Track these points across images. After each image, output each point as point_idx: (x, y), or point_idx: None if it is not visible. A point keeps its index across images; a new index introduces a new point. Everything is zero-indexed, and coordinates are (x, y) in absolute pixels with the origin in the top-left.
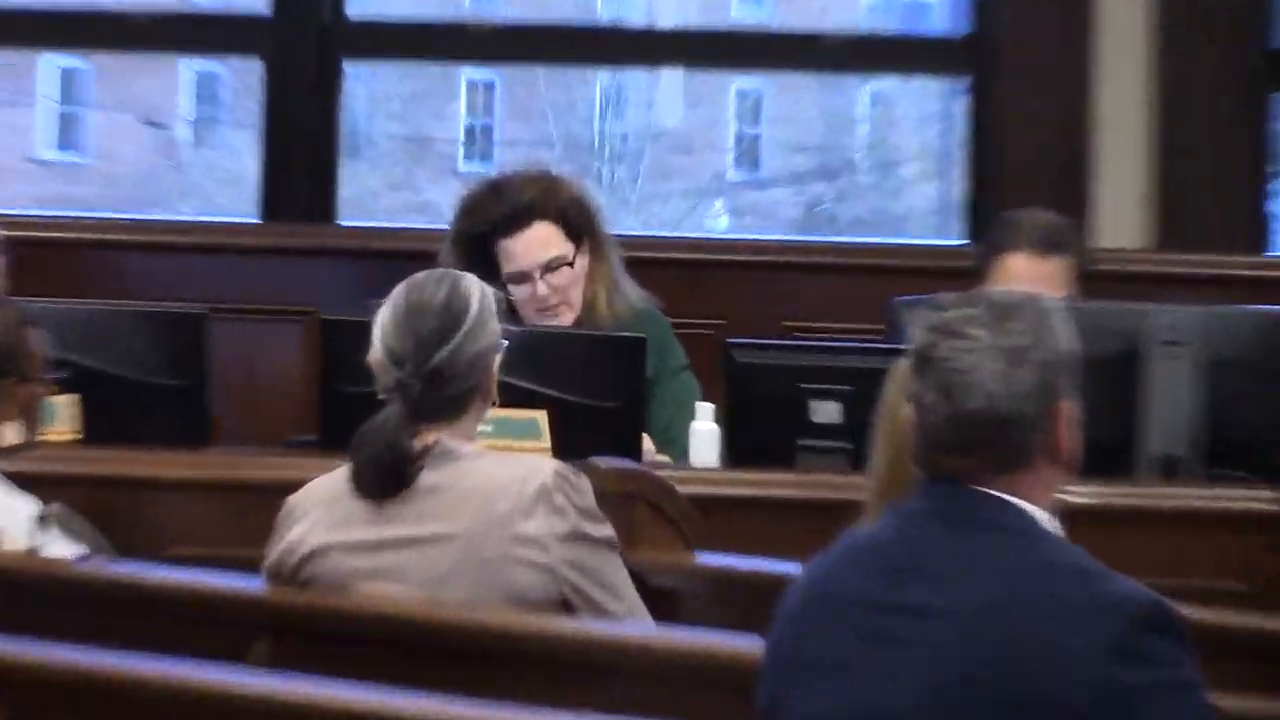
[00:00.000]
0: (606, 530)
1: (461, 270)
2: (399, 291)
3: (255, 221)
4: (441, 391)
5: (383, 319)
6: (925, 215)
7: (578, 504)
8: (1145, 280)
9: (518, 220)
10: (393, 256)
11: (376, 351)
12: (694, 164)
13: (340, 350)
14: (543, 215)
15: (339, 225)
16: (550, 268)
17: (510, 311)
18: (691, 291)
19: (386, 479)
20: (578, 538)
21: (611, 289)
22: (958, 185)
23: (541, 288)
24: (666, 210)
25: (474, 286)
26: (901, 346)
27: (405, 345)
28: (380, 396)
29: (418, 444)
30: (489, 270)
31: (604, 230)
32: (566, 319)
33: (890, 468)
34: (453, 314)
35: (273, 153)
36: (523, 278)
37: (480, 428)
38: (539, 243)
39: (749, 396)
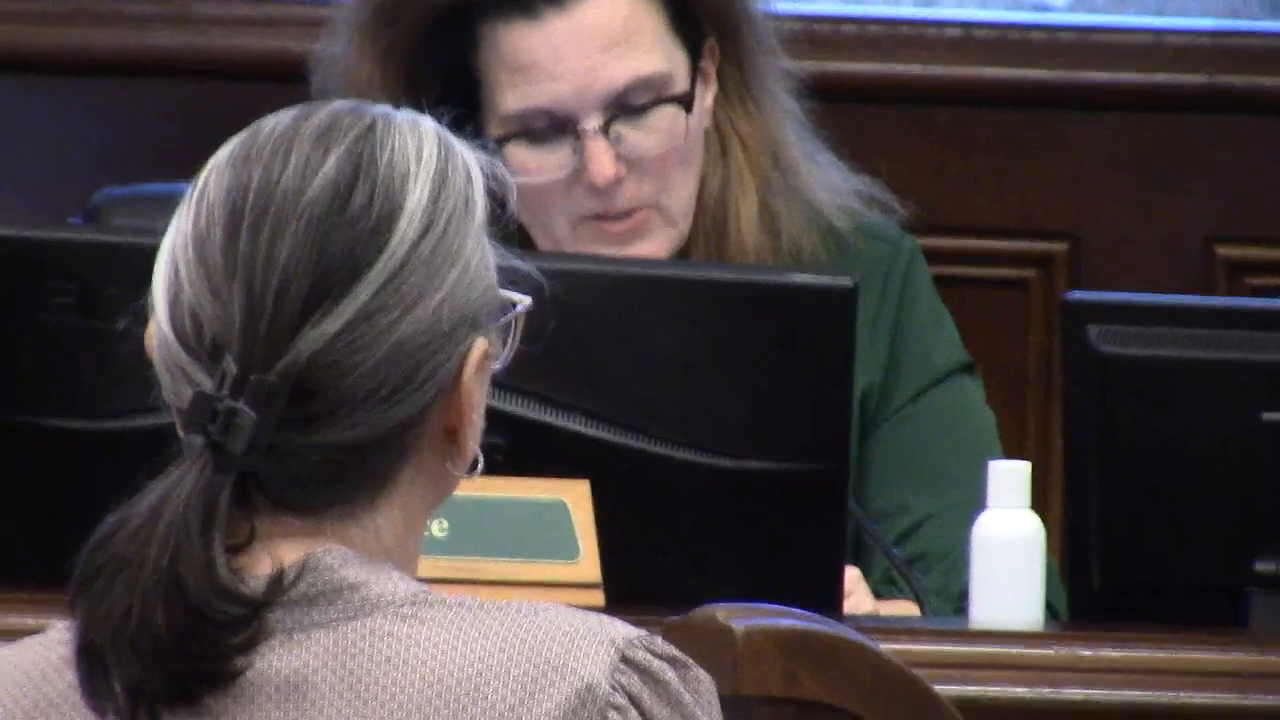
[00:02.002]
0: None
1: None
2: (215, 168)
3: None
4: (321, 431)
5: (175, 239)
6: None
7: None
8: None
9: None
10: (191, 70)
11: (160, 322)
12: None
13: (41, 317)
14: None
15: None
16: (631, 107)
17: (518, 234)
18: (980, 168)
19: (166, 671)
20: None
21: (774, 176)
22: None
23: (603, 159)
24: None
25: (415, 147)
26: None
27: (225, 305)
28: (170, 430)
29: (247, 567)
30: (459, 114)
31: (757, 16)
32: (656, 247)
33: None
34: (352, 226)
35: None
36: (554, 130)
37: (431, 527)
38: (604, 38)
39: (1128, 441)
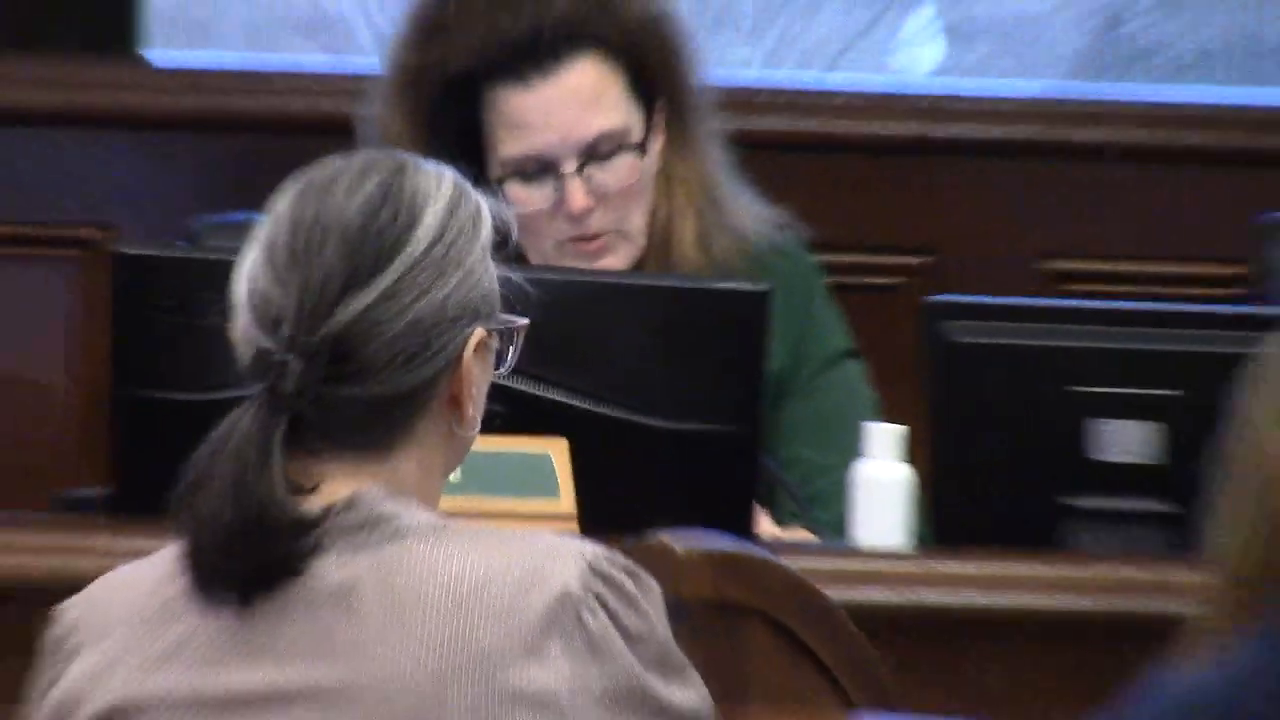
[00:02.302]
0: (690, 688)
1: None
2: (283, 197)
3: None
4: (354, 385)
5: (252, 250)
6: None
7: (633, 630)
8: None
9: (538, 50)
10: (262, 127)
11: (240, 310)
12: None
13: (154, 317)
14: (588, 44)
15: (147, 63)
16: (599, 154)
17: (518, 256)
18: (865, 200)
19: (242, 562)
20: (630, 699)
21: (706, 207)
22: None
23: (577, 194)
24: (813, 32)
25: (435, 185)
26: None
27: (286, 290)
28: (236, 394)
29: (305, 497)
30: (467, 162)
31: (695, 84)
32: (618, 261)
33: (1251, 551)
34: (380, 234)
35: None
36: (540, 171)
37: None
38: (579, 100)
39: (972, 409)
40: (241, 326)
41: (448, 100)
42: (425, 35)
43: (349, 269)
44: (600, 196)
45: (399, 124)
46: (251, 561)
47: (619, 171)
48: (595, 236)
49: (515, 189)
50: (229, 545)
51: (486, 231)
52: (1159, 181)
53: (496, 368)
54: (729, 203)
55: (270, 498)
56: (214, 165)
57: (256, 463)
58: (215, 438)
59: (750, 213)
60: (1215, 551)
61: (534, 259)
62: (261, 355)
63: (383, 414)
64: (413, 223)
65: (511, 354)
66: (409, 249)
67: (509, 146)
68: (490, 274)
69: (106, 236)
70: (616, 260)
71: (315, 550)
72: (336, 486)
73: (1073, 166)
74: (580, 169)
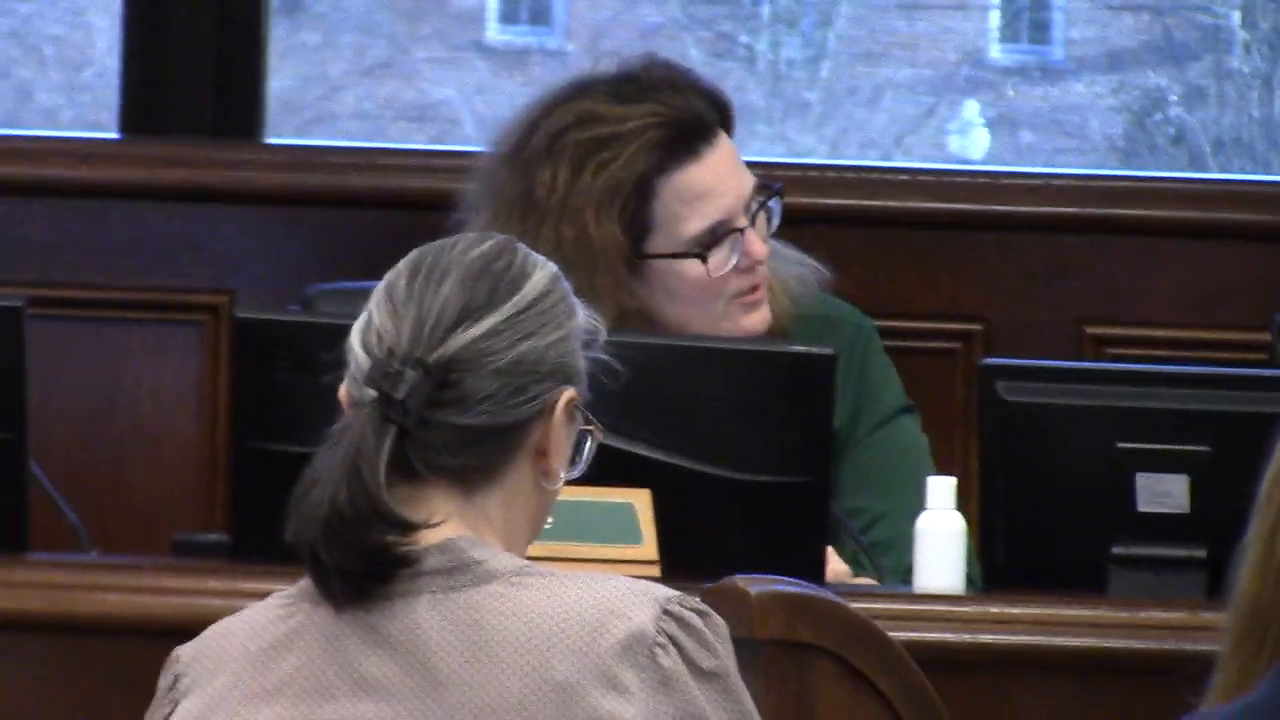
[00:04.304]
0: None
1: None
2: (405, 259)
3: (112, 137)
4: (455, 412)
5: (374, 298)
6: None
7: (704, 666)
8: None
9: (703, 121)
10: (372, 203)
11: (354, 351)
12: (925, 36)
13: (271, 375)
14: (723, 117)
15: (268, 144)
16: (759, 203)
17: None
18: (920, 273)
19: (355, 551)
20: None
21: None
22: None
23: (757, 242)
24: (875, 121)
25: (540, 259)
26: None
27: (400, 325)
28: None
29: (411, 516)
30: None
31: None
32: (766, 313)
33: (1272, 595)
34: (496, 276)
35: (141, 16)
36: (724, 234)
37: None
38: (735, 159)
39: (1023, 463)
40: (354, 363)
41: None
42: (596, 148)
43: (464, 302)
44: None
45: (604, 239)
46: (364, 549)
47: (763, 226)
48: (757, 289)
49: (715, 257)
50: (342, 533)
51: (581, 319)
52: (1189, 254)
53: (571, 465)
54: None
55: (379, 488)
56: (325, 237)
57: (368, 456)
58: (329, 441)
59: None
60: (1235, 593)
61: (701, 326)
62: (379, 365)
63: (477, 446)
64: (524, 276)
65: (582, 461)
66: (520, 295)
67: (697, 222)
68: (580, 357)
69: (229, 301)
70: (765, 312)
71: (410, 556)
72: (429, 512)
73: (1111, 240)
74: (752, 220)
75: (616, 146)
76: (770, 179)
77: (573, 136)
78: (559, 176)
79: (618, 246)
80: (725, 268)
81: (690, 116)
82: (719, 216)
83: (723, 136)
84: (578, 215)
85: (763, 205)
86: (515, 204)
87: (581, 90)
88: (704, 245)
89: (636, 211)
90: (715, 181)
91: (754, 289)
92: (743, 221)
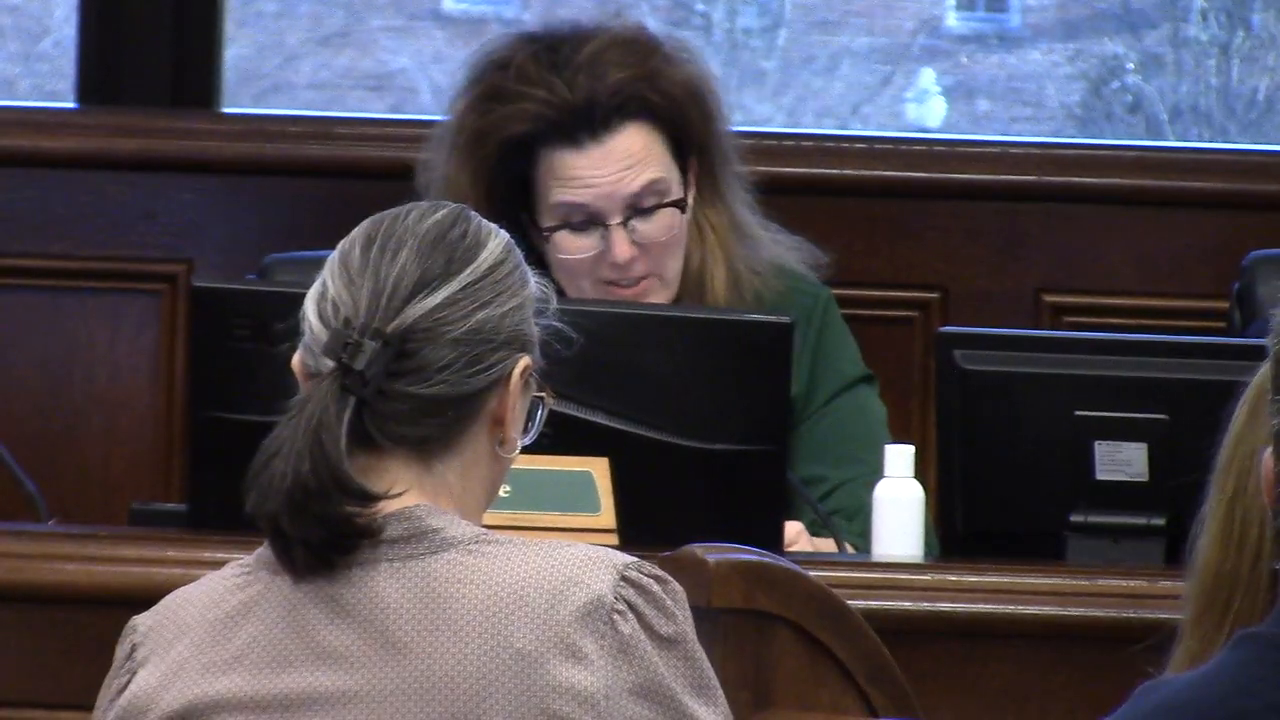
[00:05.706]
0: (715, 707)
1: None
2: (359, 228)
3: (69, 107)
4: (413, 382)
5: (328, 267)
6: None
7: (662, 632)
8: None
9: (592, 118)
10: (329, 172)
11: (309, 320)
12: (882, 4)
13: (228, 344)
14: (636, 113)
15: (225, 114)
16: (642, 207)
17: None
18: (877, 241)
19: (317, 522)
20: (657, 697)
21: (736, 251)
22: None
23: (622, 245)
24: (832, 89)
25: (493, 229)
26: (1263, 342)
27: (356, 295)
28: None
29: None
30: (516, 222)
31: (726, 140)
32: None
33: (1233, 564)
34: (451, 246)
35: None
36: (588, 222)
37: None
38: (625, 162)
39: (981, 431)
40: (311, 334)
41: (505, 159)
42: (486, 100)
43: (421, 271)
44: (642, 247)
45: (462, 179)
46: (327, 520)
47: (659, 224)
48: (635, 282)
49: (564, 237)
50: (305, 504)
51: (533, 287)
52: (1147, 222)
53: (524, 432)
54: (755, 244)
55: (341, 459)
56: (282, 207)
57: (330, 427)
58: (289, 412)
59: (775, 254)
60: (1196, 563)
61: (572, 295)
62: (337, 336)
63: (435, 415)
64: (478, 245)
65: (534, 428)
66: (475, 264)
67: (559, 197)
68: (533, 325)
69: (186, 271)
70: (654, 301)
71: (373, 528)
72: (390, 482)
73: (1068, 208)
74: (625, 222)
75: (506, 103)
76: (659, 193)
77: (485, 77)
78: (465, 118)
79: (458, 194)
80: (576, 254)
81: (583, 106)
82: (578, 201)
83: (621, 131)
84: (457, 153)
85: (640, 213)
86: (444, 133)
87: (522, 40)
88: (556, 225)
89: (515, 173)
90: (584, 172)
91: (623, 284)
92: (613, 219)
